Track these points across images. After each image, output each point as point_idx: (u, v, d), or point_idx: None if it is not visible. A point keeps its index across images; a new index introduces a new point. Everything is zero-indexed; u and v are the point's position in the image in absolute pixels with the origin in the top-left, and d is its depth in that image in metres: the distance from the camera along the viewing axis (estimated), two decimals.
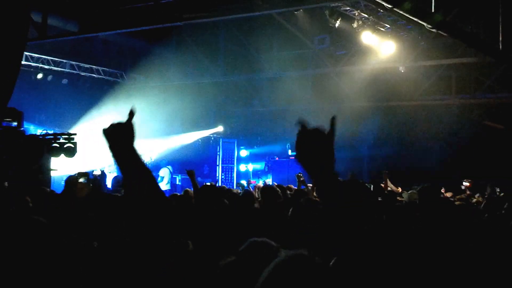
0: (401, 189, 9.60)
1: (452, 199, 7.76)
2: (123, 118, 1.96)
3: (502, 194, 9.22)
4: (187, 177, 6.89)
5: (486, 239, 4.00)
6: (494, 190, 10.04)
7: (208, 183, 7.75)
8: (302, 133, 1.62)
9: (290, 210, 4.37)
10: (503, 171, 12.65)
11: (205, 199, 5.33)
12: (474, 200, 8.91)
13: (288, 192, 7.04)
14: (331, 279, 1.24)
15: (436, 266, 3.18)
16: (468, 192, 9.96)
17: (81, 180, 6.91)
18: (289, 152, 17.30)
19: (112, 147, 1.94)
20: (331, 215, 1.57)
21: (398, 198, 7.76)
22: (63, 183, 6.65)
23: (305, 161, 1.63)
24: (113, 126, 1.92)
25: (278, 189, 5.72)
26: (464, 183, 10.77)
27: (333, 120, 1.63)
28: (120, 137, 1.92)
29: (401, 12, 8.82)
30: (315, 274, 1.24)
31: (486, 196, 9.09)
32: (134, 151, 1.93)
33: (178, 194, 7.38)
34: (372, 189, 7.28)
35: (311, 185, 8.77)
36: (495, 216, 4.87)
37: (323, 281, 1.24)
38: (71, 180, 6.53)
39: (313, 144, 1.59)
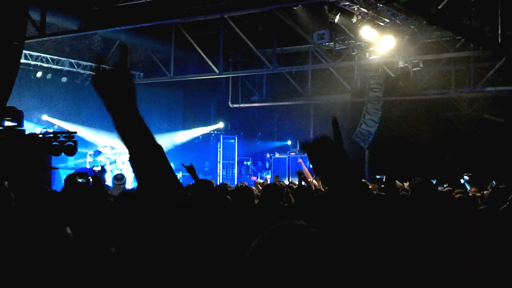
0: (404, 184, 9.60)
1: (450, 192, 7.73)
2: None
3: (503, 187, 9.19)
4: (188, 174, 6.69)
5: (490, 231, 4.01)
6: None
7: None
8: (309, 150, 1.52)
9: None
10: (503, 165, 12.65)
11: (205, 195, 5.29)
12: (472, 192, 8.89)
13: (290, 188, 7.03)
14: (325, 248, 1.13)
15: (434, 258, 3.19)
16: (468, 187, 9.96)
17: (79, 180, 6.90)
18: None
19: (110, 105, 1.51)
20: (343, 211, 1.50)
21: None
22: (63, 182, 6.64)
23: (326, 177, 1.54)
24: (106, 75, 1.52)
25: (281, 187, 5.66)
26: (464, 177, 10.77)
27: (334, 123, 1.55)
28: (118, 90, 1.51)
29: (399, 6, 8.81)
30: (308, 242, 1.13)
31: (490, 189, 9.04)
32: (138, 115, 1.53)
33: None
34: (384, 180, 7.22)
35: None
36: (498, 209, 4.88)
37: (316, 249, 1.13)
38: (71, 178, 6.53)
39: (325, 156, 1.50)
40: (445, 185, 9.65)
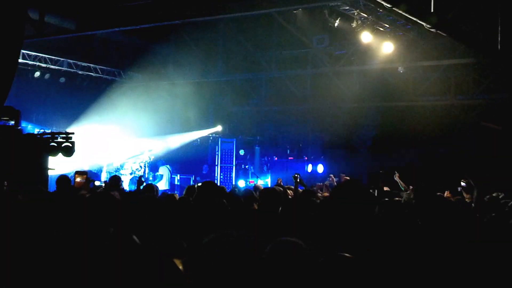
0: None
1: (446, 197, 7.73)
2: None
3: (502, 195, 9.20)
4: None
5: (486, 237, 3.99)
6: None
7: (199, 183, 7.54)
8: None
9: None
10: (501, 171, 12.64)
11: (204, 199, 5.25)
12: (467, 199, 8.89)
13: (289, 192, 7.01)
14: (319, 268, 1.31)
15: (432, 263, 3.16)
16: (464, 193, 9.96)
17: (78, 179, 6.86)
18: None
19: None
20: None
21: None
22: (55, 183, 6.58)
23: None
24: None
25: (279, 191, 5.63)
26: (462, 183, 10.76)
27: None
28: None
29: (400, 12, 8.80)
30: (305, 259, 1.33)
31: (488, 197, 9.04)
32: None
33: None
34: (376, 194, 7.26)
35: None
36: (495, 215, 4.86)
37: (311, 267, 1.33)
38: (62, 179, 6.46)
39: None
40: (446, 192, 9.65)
